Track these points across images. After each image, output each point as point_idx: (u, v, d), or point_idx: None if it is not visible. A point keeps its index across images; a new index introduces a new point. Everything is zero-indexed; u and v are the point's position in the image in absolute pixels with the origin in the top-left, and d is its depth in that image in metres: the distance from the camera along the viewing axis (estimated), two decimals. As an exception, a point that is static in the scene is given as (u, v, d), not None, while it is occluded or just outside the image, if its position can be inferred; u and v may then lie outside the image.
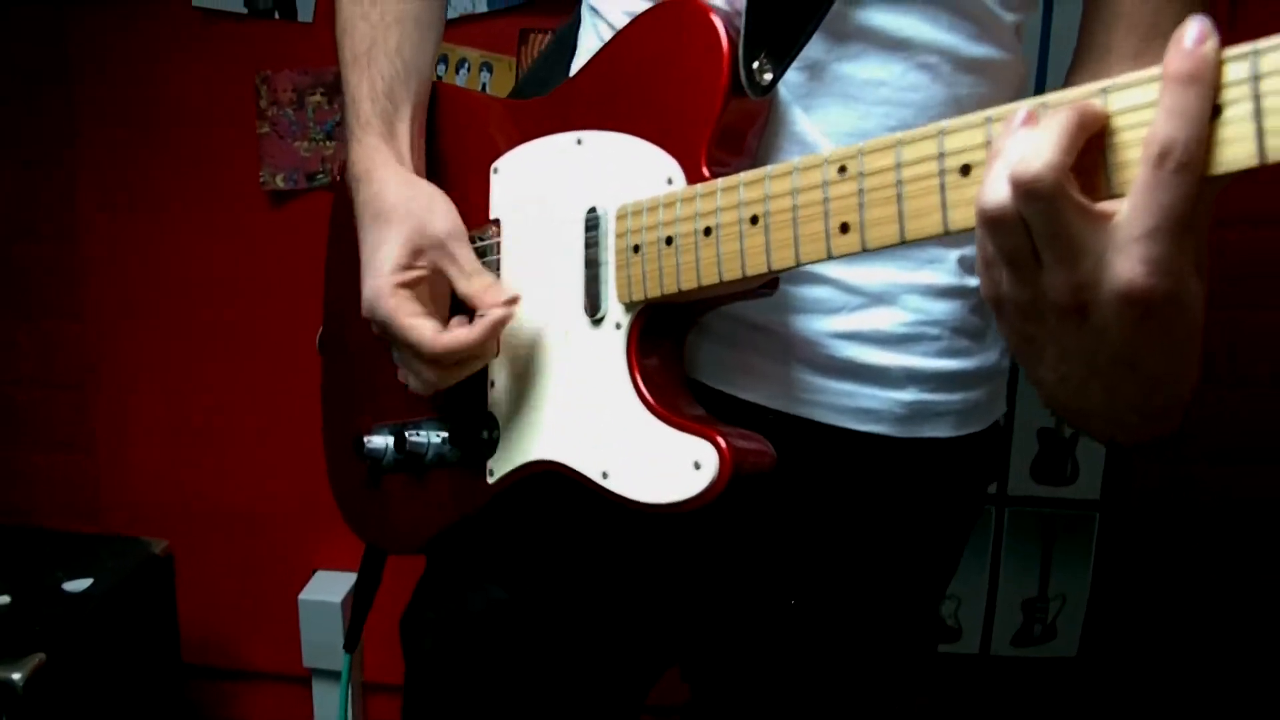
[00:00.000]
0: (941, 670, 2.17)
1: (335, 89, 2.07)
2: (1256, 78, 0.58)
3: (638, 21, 1.00)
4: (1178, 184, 0.59)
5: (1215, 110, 0.59)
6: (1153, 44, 0.93)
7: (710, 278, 0.89)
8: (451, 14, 2.04)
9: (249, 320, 2.24)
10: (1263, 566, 2.08)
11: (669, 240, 0.92)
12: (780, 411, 1.00)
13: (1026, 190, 0.62)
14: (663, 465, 0.92)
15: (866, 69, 0.95)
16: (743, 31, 0.92)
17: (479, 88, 2.04)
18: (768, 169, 0.84)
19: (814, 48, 0.94)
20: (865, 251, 0.77)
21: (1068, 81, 0.98)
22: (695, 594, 1.10)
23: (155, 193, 2.24)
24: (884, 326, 0.99)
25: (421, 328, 0.99)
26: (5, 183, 2.29)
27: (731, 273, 0.87)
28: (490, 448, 1.07)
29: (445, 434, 1.11)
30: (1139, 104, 0.63)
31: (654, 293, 0.93)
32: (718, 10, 0.94)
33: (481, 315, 1.00)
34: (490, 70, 2.03)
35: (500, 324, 0.99)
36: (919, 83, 0.96)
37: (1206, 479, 2.07)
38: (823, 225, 0.80)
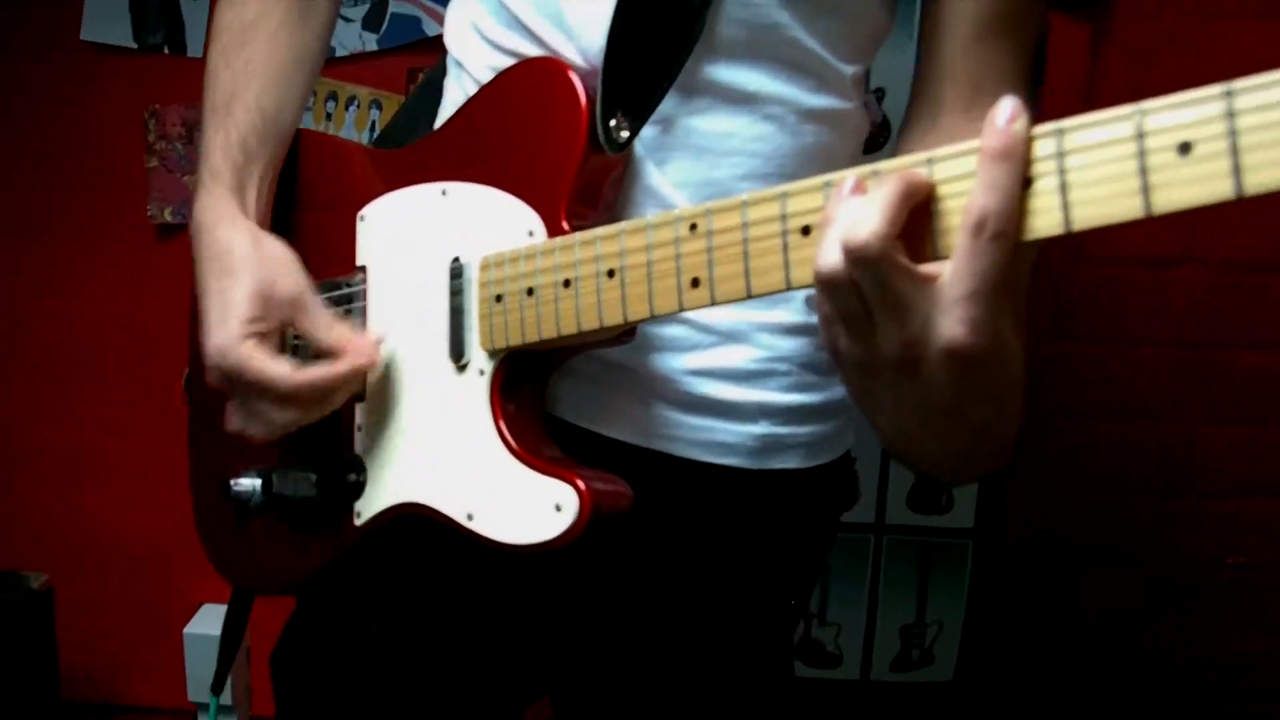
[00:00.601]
0: (823, 696, 2.20)
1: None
2: (1061, 154, 0.63)
3: (502, 77, 1.01)
4: (994, 251, 0.63)
5: (1027, 182, 0.63)
6: (979, 98, 0.97)
7: (569, 328, 0.90)
8: (342, 52, 2.04)
9: (132, 351, 2.21)
10: (1127, 591, 2.15)
11: (530, 291, 0.93)
12: (639, 447, 1.02)
13: (856, 256, 0.65)
14: (525, 507, 0.94)
15: (715, 122, 0.98)
16: (600, 90, 0.95)
17: (368, 125, 2.04)
18: (623, 225, 0.86)
19: (665, 104, 0.96)
20: (714, 304, 0.79)
21: (902, 130, 1.03)
22: (562, 627, 1.11)
23: (41, 224, 2.20)
24: (736, 363, 1.02)
25: (276, 367, 0.98)
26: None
27: (590, 323, 0.89)
28: (357, 490, 1.07)
29: (313, 477, 1.11)
30: (960, 174, 0.66)
31: (516, 341, 0.94)
32: (576, 69, 0.96)
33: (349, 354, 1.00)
34: (380, 108, 2.03)
35: (365, 365, 1.00)
36: (765, 133, 0.99)
37: (1075, 506, 2.13)
38: (675, 280, 0.82)
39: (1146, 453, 2.10)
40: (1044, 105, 1.92)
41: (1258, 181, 0.56)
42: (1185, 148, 0.58)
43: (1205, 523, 2.12)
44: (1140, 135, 0.60)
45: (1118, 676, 2.19)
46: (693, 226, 0.81)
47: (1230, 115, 0.57)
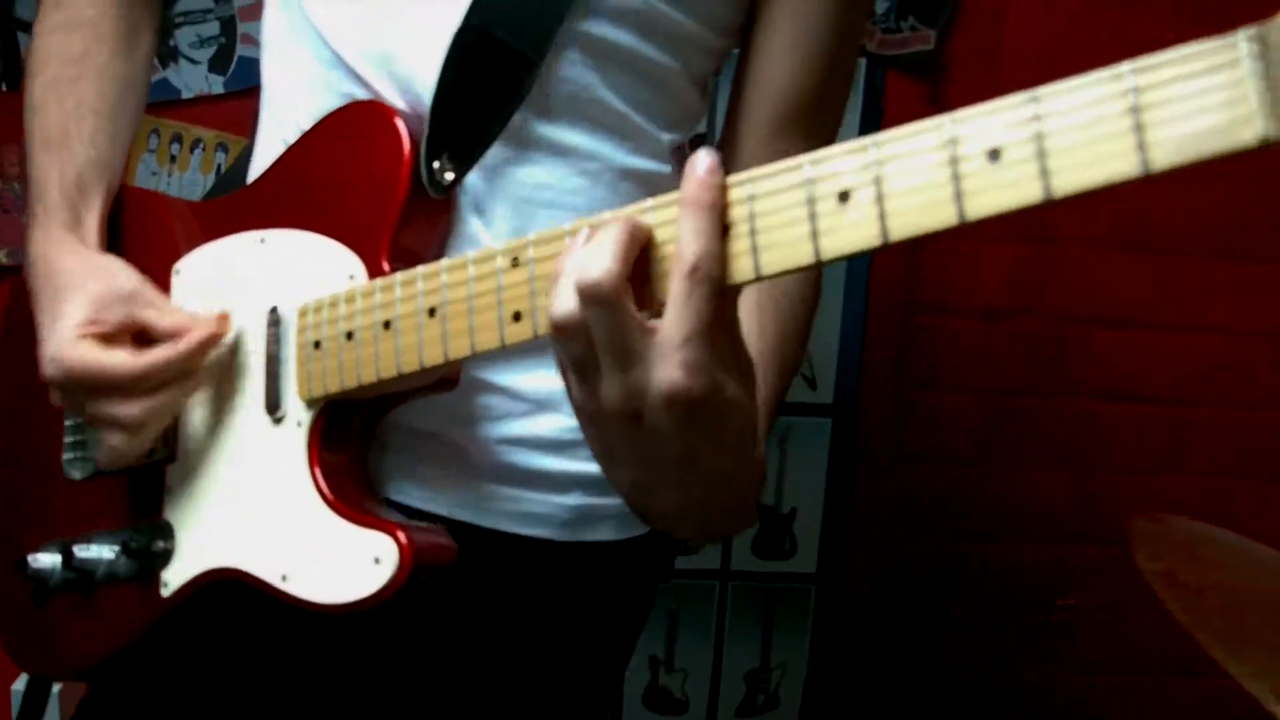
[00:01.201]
0: (671, 742, 2.19)
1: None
2: (752, 198, 0.66)
3: (324, 122, 1.00)
4: (704, 295, 0.66)
5: (725, 229, 0.67)
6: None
7: (389, 370, 0.88)
8: (187, 94, 1.99)
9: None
10: (964, 632, 2.18)
11: (349, 335, 0.91)
12: (453, 519, 1.00)
13: (589, 295, 0.66)
14: (343, 563, 0.91)
15: (536, 174, 0.98)
16: (426, 132, 0.94)
17: (214, 168, 1.99)
18: (444, 262, 0.85)
19: (490, 152, 0.96)
20: (537, 337, 0.77)
21: None
22: (375, 702, 1.07)
23: None
24: (548, 432, 1.01)
25: (117, 355, 0.95)
26: None
27: (409, 365, 0.86)
28: (165, 558, 1.02)
29: (118, 546, 1.05)
30: (673, 220, 0.68)
31: (334, 388, 0.92)
32: (401, 113, 0.95)
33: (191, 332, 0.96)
34: (225, 151, 1.99)
35: (207, 341, 0.96)
36: (582, 187, 0.99)
37: (913, 550, 2.16)
38: (496, 314, 0.80)
39: (980, 498, 2.14)
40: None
41: (1067, 183, 0.56)
42: (995, 154, 0.59)
43: (1036, 567, 2.17)
44: (952, 142, 0.60)
45: (957, 715, 2.22)
46: (514, 260, 0.79)
47: (1036, 118, 0.58)
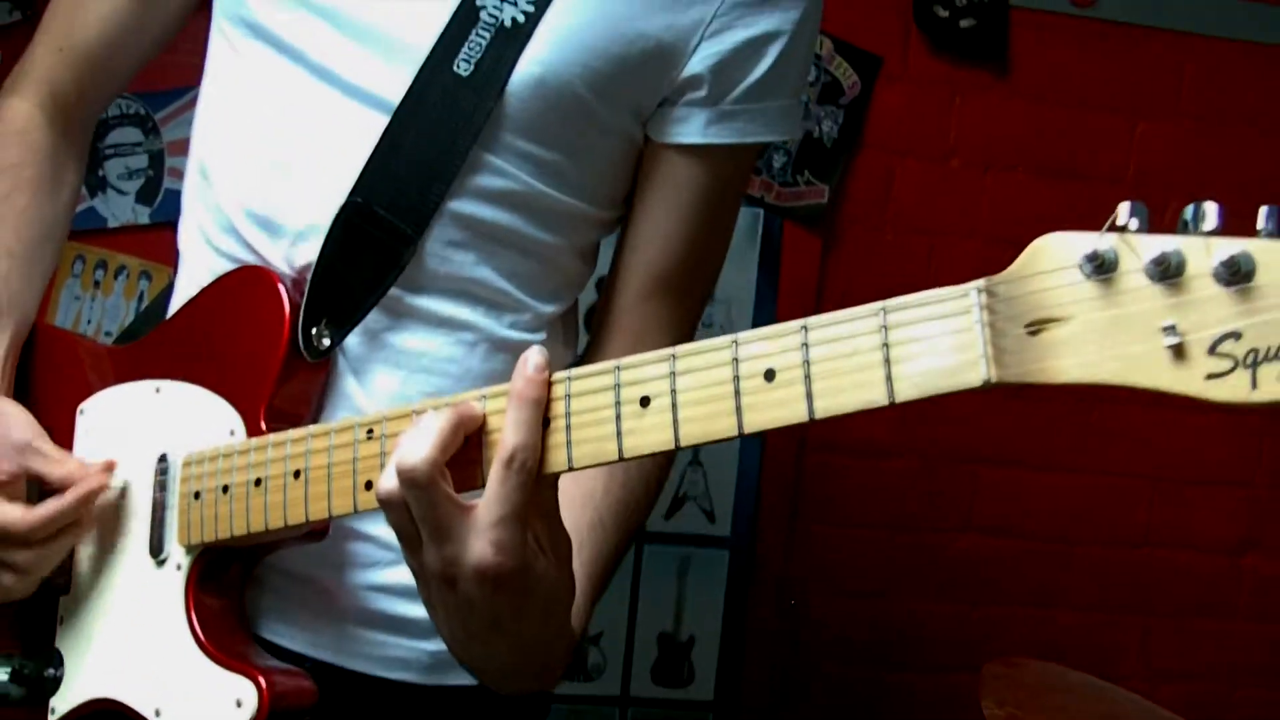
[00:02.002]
0: None
1: None
2: (569, 396, 0.74)
3: (217, 282, 1.05)
4: (519, 482, 0.73)
5: (547, 422, 0.74)
6: (641, 346, 1.05)
7: (258, 525, 0.92)
8: (114, 223, 2.04)
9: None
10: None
11: (225, 488, 0.95)
12: (320, 660, 1.03)
13: (406, 479, 0.73)
14: (209, 702, 0.94)
15: (412, 341, 1.03)
16: (305, 299, 0.99)
17: (138, 295, 2.03)
18: (310, 429, 0.90)
19: (368, 318, 1.01)
20: None
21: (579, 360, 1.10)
22: None
23: None
24: (410, 580, 1.03)
25: (10, 510, 0.97)
26: None
27: (276, 521, 0.91)
28: (55, 685, 1.05)
29: (9, 670, 1.07)
30: (504, 408, 0.75)
31: (210, 537, 0.96)
32: (284, 278, 1.00)
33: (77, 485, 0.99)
34: (150, 278, 2.03)
35: (93, 492, 0.99)
36: (457, 355, 1.04)
37: (809, 680, 2.19)
38: (351, 481, 0.86)
39: (873, 628, 2.19)
40: (778, 309, 2.04)
41: (827, 406, 0.63)
42: (770, 374, 0.65)
43: (927, 695, 2.21)
44: (735, 361, 0.67)
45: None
46: (369, 432, 0.85)
47: (805, 346, 0.64)
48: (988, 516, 2.19)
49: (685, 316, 1.11)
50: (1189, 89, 2.13)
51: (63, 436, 1.10)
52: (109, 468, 1.02)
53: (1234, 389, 0.51)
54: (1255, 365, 0.51)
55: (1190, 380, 0.52)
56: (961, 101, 2.09)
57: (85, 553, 1.04)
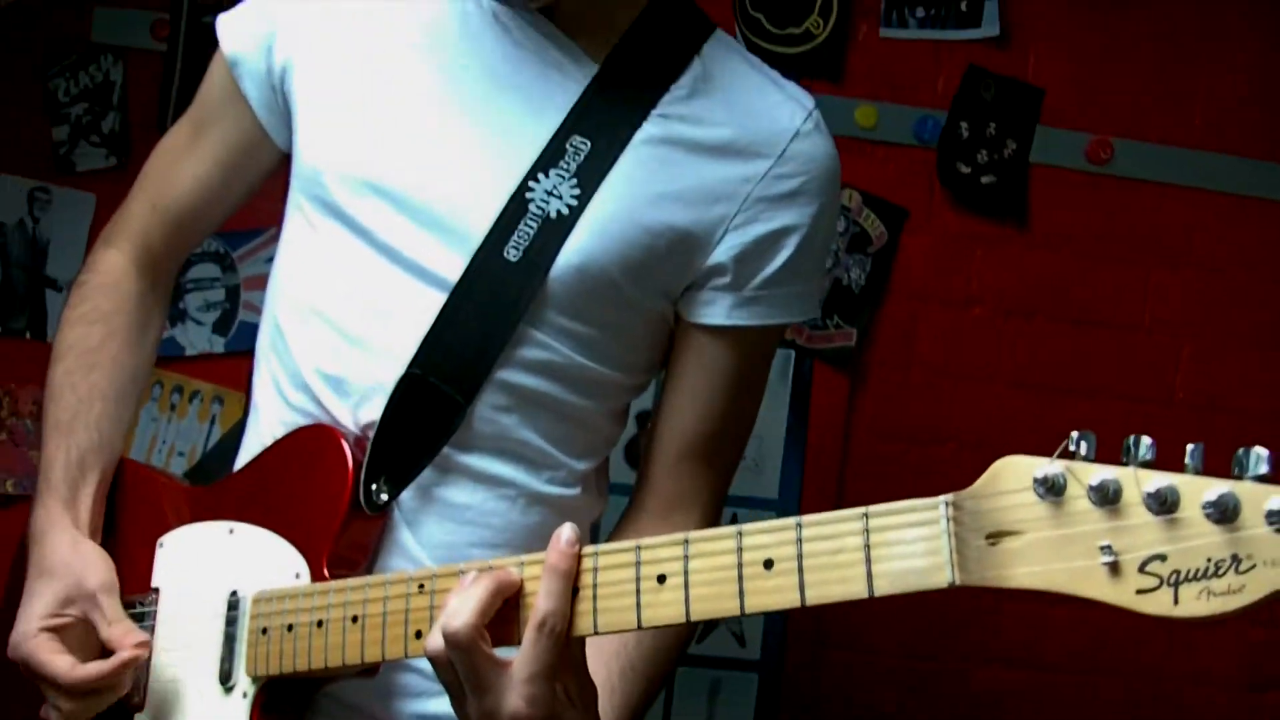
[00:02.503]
0: None
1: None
2: (597, 569, 0.84)
3: (289, 437, 1.15)
4: (549, 644, 0.83)
5: (575, 591, 0.84)
6: (675, 511, 1.16)
7: (319, 663, 1.01)
8: (191, 351, 2.16)
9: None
10: None
11: (290, 627, 1.04)
12: None
13: (450, 640, 0.84)
14: (270, 818, 1.02)
15: (460, 495, 1.13)
16: (367, 458, 1.09)
17: (210, 418, 2.14)
18: (368, 579, 0.99)
19: (422, 475, 1.10)
20: None
21: (618, 522, 1.21)
22: None
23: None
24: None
25: (57, 662, 1.07)
26: None
27: (334, 660, 1.00)
28: None
29: None
30: (539, 575, 0.86)
31: (275, 670, 1.05)
32: (349, 436, 1.10)
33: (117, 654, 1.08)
34: (221, 403, 2.15)
35: (129, 663, 1.07)
36: (499, 510, 1.14)
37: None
38: (404, 630, 0.95)
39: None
40: (808, 444, 2.12)
41: (816, 595, 0.72)
42: (769, 563, 0.74)
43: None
44: (739, 550, 0.76)
45: None
46: (420, 586, 0.95)
47: (799, 541, 0.73)
48: (1010, 647, 2.22)
49: (717, 478, 1.20)
50: (1199, 241, 2.20)
51: (142, 565, 1.19)
52: (144, 644, 1.09)
53: (1159, 604, 0.59)
54: (1177, 584, 0.59)
55: (1123, 594, 0.60)
56: (983, 252, 2.17)
57: (160, 675, 1.13)
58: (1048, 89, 2.17)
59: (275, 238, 2.06)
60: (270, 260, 2.07)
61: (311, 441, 1.13)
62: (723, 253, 1.12)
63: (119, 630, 1.10)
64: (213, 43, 1.27)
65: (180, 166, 1.29)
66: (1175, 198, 2.19)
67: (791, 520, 0.72)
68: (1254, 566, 0.57)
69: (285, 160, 1.27)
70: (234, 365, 2.17)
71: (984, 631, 2.21)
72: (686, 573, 0.76)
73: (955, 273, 2.18)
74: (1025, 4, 2.17)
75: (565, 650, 0.84)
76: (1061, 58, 2.18)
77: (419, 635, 0.94)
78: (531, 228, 1.09)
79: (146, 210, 1.31)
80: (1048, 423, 2.14)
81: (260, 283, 2.12)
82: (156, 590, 1.18)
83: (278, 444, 1.16)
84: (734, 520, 1.93)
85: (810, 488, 2.13)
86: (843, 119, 2.14)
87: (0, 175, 2.21)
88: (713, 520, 1.20)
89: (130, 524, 1.24)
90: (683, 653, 1.17)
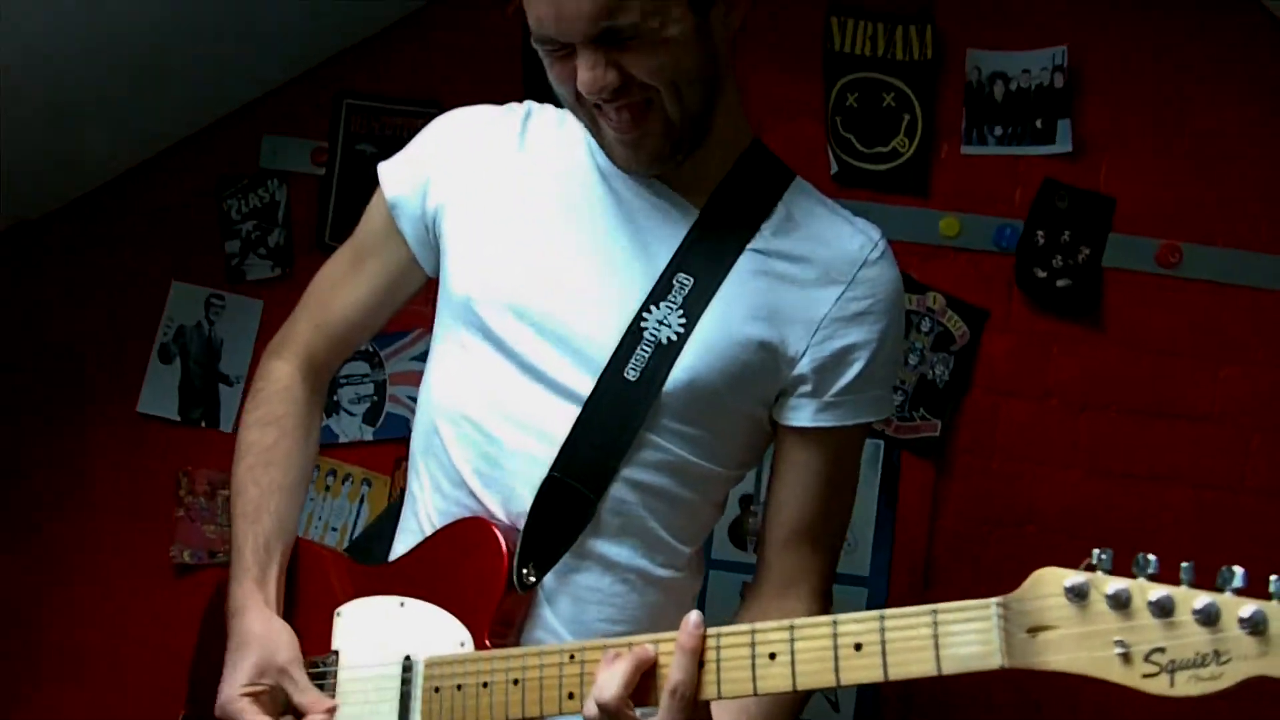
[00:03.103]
0: None
1: (242, 487, 2.39)
2: (719, 647, 1.02)
3: (450, 527, 1.34)
4: (680, 707, 1.02)
5: (701, 664, 1.02)
6: (789, 588, 1.34)
7: (484, 716, 1.20)
8: (344, 439, 2.39)
9: (140, 670, 2.42)
10: None
11: (459, 687, 1.23)
12: None
13: (603, 708, 1.03)
14: None
15: (590, 580, 1.31)
16: (519, 547, 1.28)
17: (359, 498, 2.37)
18: (526, 649, 1.19)
19: (560, 562, 1.30)
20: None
21: (742, 600, 1.40)
22: None
23: (81, 553, 2.47)
24: None
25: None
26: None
27: (498, 716, 1.19)
28: None
29: None
30: (671, 651, 1.05)
31: (447, 722, 1.24)
32: (502, 528, 1.30)
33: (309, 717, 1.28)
34: (370, 484, 2.38)
35: None
36: (621, 592, 1.32)
37: None
38: (557, 692, 1.14)
39: None
40: (896, 527, 2.26)
41: (898, 673, 0.90)
42: (859, 646, 0.91)
43: None
44: (835, 636, 0.93)
45: None
46: (571, 656, 1.14)
47: (882, 629, 0.91)
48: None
49: (823, 558, 1.36)
50: (1265, 337, 2.28)
51: (317, 628, 1.38)
52: (332, 710, 1.29)
53: (1160, 685, 0.76)
54: (1173, 671, 0.76)
55: (1132, 677, 0.77)
56: (1059, 349, 2.29)
57: (344, 728, 1.33)
58: (1119, 198, 2.29)
59: (418, 339, 2.34)
60: (413, 359, 2.34)
61: (472, 532, 1.32)
62: (805, 365, 1.30)
63: (310, 698, 1.30)
64: (363, 168, 1.49)
65: (341, 291, 1.49)
66: (1241, 297, 2.28)
67: (876, 613, 0.90)
68: (1230, 660, 0.73)
69: (430, 281, 1.47)
70: (381, 451, 2.40)
71: (1060, 708, 2.29)
72: (793, 652, 0.94)
73: (1034, 368, 2.29)
74: (1096, 121, 2.30)
75: (694, 712, 1.01)
76: (1131, 169, 2.30)
77: (570, 696, 1.12)
78: (646, 352, 1.28)
79: (310, 328, 1.51)
80: (1123, 507, 2.24)
81: (404, 379, 2.37)
82: (336, 652, 1.38)
83: (440, 532, 1.36)
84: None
85: (899, 566, 2.25)
86: (928, 229, 2.31)
87: (181, 284, 2.47)
88: (823, 595, 1.37)
89: (306, 594, 1.43)
90: (797, 715, 1.33)
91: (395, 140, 2.34)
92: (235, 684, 1.30)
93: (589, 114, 1.26)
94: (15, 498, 2.49)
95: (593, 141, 1.35)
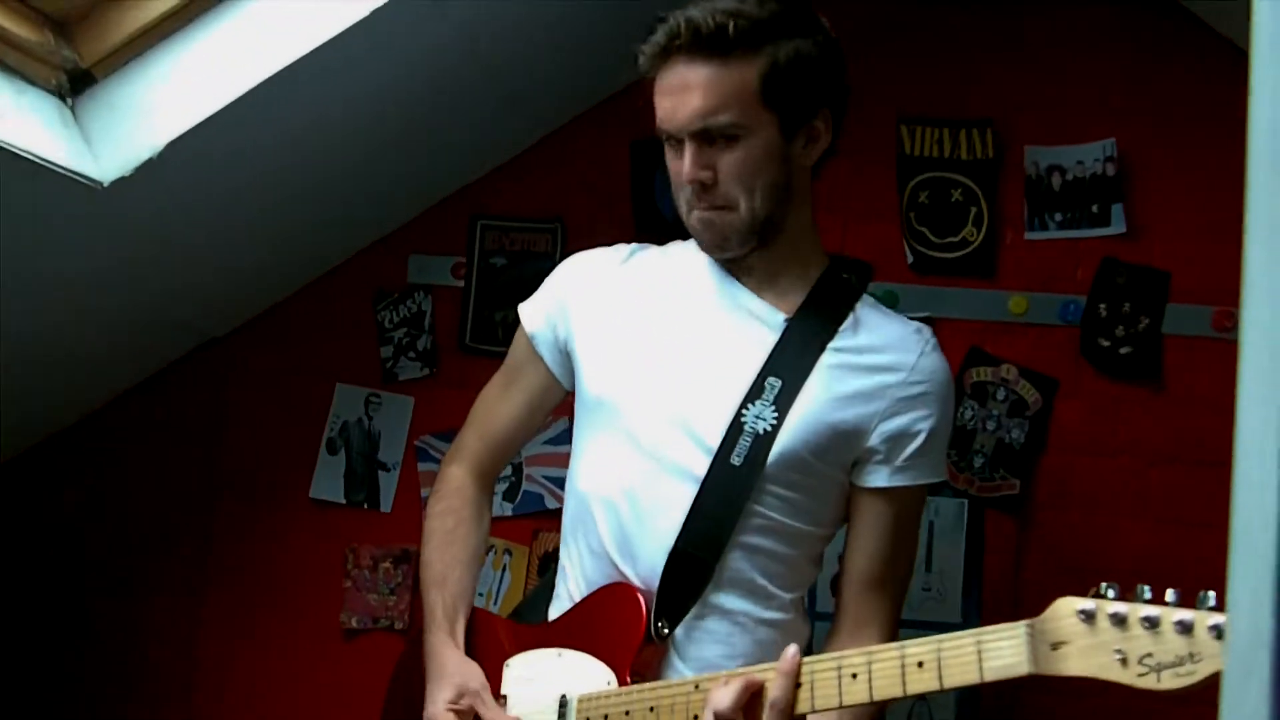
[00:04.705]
0: None
1: (400, 560, 2.66)
2: (813, 671, 1.27)
3: (598, 592, 1.60)
4: (780, 716, 1.26)
5: (798, 685, 1.26)
6: (861, 629, 1.55)
7: (624, 739, 1.45)
8: (488, 515, 2.66)
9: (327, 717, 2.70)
10: None
11: (606, 716, 1.48)
12: None
13: (717, 716, 1.28)
14: None
15: (708, 624, 1.56)
16: (655, 604, 1.53)
17: (502, 566, 2.63)
18: (658, 683, 1.45)
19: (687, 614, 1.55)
20: None
21: (825, 639, 1.61)
22: None
23: (259, 625, 2.76)
24: None
25: None
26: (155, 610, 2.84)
27: (637, 739, 1.43)
28: None
29: None
30: (774, 676, 1.29)
31: (591, 746, 1.49)
32: (642, 592, 1.55)
33: None
34: (510, 554, 2.64)
35: None
36: (734, 632, 1.56)
37: None
38: (685, 714, 1.39)
39: None
40: (984, 578, 2.43)
41: (950, 683, 1.12)
42: (921, 664, 1.14)
43: None
44: (903, 657, 1.16)
45: None
46: (696, 686, 1.39)
47: (939, 650, 1.13)
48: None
49: (890, 601, 1.60)
50: None
51: (493, 680, 1.64)
52: None
53: (1149, 682, 0.98)
54: (1160, 670, 0.97)
55: (1129, 677, 0.99)
56: (1126, 410, 2.43)
57: (512, 754, 1.58)
58: (1173, 271, 2.45)
59: (548, 425, 2.59)
60: (546, 443, 2.60)
61: (616, 594, 1.58)
62: (876, 438, 1.56)
63: (497, 714, 1.56)
64: (495, 278, 1.76)
65: (498, 408, 1.81)
66: (1295, 356, 2.43)
67: (935, 638, 1.13)
68: (1202, 659, 0.95)
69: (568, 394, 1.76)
70: (520, 525, 2.64)
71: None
72: (870, 672, 1.18)
73: (1103, 429, 2.45)
74: (1148, 202, 2.47)
75: None
76: (1183, 243, 2.45)
77: (695, 718, 1.37)
78: (747, 442, 1.53)
79: (475, 439, 1.83)
80: (1190, 553, 2.35)
81: (537, 460, 2.64)
82: (504, 696, 1.64)
83: (590, 596, 1.62)
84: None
85: (988, 613, 2.41)
86: (998, 308, 2.51)
87: (344, 385, 2.76)
88: (890, 632, 1.59)
89: (480, 648, 1.71)
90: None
91: (523, 254, 2.66)
92: (440, 702, 1.57)
93: (688, 201, 1.55)
94: (212, 575, 2.81)
95: (694, 265, 1.62)
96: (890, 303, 1.68)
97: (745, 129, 1.49)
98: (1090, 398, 2.48)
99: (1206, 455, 2.40)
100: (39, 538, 2.86)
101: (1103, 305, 2.48)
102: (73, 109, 2.01)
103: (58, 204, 1.99)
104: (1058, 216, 2.52)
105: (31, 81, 1.94)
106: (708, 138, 1.49)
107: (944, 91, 2.59)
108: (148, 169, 1.99)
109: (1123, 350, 2.46)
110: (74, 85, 2.00)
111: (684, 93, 1.47)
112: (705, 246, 1.60)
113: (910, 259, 2.55)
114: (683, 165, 1.51)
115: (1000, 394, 2.49)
